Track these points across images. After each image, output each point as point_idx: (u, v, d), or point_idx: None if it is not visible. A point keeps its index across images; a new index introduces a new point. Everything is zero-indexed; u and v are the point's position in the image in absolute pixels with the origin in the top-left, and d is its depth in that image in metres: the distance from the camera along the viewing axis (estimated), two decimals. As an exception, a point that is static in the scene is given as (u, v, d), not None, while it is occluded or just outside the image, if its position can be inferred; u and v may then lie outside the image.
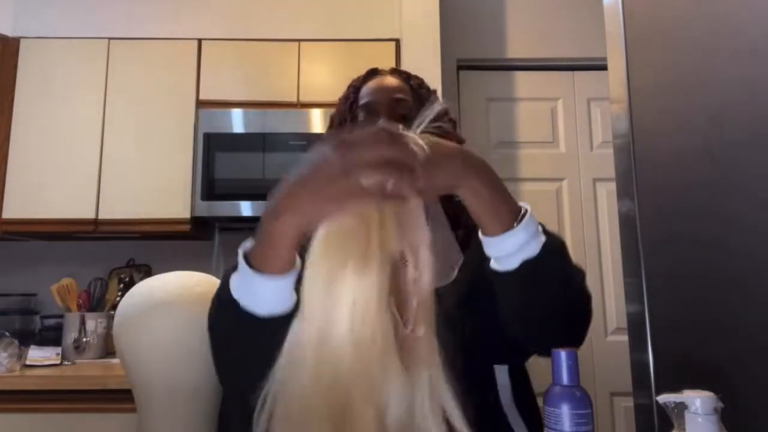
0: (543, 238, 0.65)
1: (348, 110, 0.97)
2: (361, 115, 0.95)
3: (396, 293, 0.53)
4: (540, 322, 0.70)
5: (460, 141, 0.98)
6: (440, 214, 0.78)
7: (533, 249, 0.64)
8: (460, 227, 0.84)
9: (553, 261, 0.67)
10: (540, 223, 0.68)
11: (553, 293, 0.68)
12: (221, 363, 0.70)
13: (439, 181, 0.59)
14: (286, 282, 0.57)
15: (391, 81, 0.98)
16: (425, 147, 0.56)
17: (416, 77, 1.01)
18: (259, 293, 0.58)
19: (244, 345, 0.62)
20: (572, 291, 0.71)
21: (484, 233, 0.65)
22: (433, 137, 0.60)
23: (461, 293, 0.75)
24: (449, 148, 0.62)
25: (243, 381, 0.59)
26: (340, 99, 1.02)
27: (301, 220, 0.53)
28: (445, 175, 0.59)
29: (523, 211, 0.65)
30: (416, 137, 0.57)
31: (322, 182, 0.52)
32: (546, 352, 0.72)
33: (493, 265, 0.67)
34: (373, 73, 1.01)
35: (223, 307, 0.64)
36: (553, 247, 0.66)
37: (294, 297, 0.58)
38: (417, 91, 0.98)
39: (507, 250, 0.64)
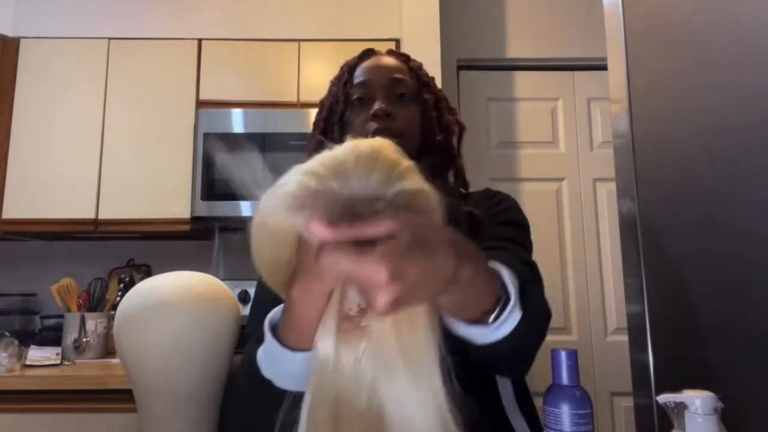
0: (518, 317, 0.55)
1: (342, 90, 0.91)
2: (355, 94, 0.88)
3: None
4: (489, 368, 0.68)
5: (461, 127, 0.95)
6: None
7: (507, 329, 0.55)
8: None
9: (530, 329, 0.57)
10: (524, 238, 0.66)
11: (506, 356, 0.59)
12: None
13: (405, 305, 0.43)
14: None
15: (389, 60, 0.92)
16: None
17: (415, 60, 0.95)
18: (295, 370, 0.54)
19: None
20: (528, 346, 0.63)
21: (458, 319, 0.55)
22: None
23: None
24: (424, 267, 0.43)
25: None
26: (332, 80, 0.96)
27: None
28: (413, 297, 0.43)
29: (504, 299, 0.54)
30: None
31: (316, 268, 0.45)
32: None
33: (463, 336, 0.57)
34: (369, 52, 0.95)
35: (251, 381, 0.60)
36: (530, 317, 0.56)
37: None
38: (417, 72, 0.92)
39: (482, 339, 0.55)
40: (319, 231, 0.40)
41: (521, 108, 2.55)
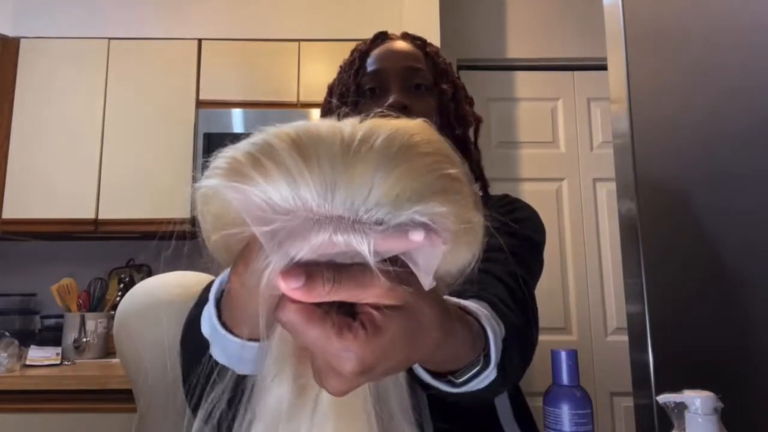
0: (494, 375, 0.49)
1: (353, 78, 0.84)
2: (368, 84, 0.81)
3: None
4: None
5: (478, 119, 0.90)
6: None
7: (488, 379, 0.49)
8: None
9: (490, 389, 0.50)
10: (531, 252, 0.61)
11: (471, 402, 0.52)
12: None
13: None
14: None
15: (404, 46, 0.84)
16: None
17: (432, 45, 0.86)
18: (238, 354, 0.44)
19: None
20: (527, 359, 0.57)
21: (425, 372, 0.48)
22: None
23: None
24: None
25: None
26: (341, 66, 0.89)
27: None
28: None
29: (471, 373, 0.47)
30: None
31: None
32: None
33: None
34: (383, 36, 0.87)
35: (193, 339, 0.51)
36: (497, 384, 0.50)
37: None
38: (434, 59, 0.84)
39: (456, 397, 0.49)
40: (282, 283, 0.28)
41: (521, 108, 2.55)
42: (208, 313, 0.47)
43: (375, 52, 0.84)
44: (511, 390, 0.79)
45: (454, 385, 0.47)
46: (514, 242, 0.72)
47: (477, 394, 0.49)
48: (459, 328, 0.40)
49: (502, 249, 0.65)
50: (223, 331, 0.44)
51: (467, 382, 0.47)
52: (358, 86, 0.83)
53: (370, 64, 0.83)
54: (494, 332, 0.48)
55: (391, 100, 0.77)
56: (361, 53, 0.86)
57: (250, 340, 0.42)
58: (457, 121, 0.84)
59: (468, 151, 0.87)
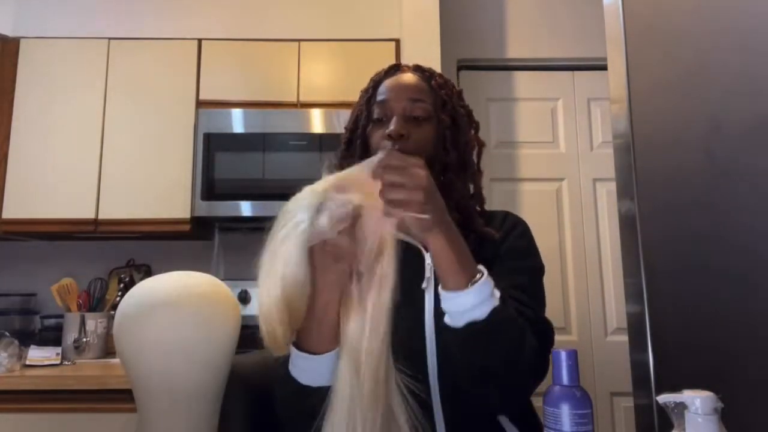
0: (494, 304, 0.69)
1: (366, 105, 0.95)
2: (375, 113, 0.93)
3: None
4: (479, 379, 0.73)
5: (480, 143, 1.00)
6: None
7: (481, 313, 0.68)
8: (470, 232, 0.86)
9: (498, 330, 0.70)
10: (536, 277, 0.80)
11: (494, 357, 0.71)
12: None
13: (420, 227, 0.66)
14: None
15: (410, 79, 0.94)
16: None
17: (440, 76, 0.97)
18: (318, 370, 0.71)
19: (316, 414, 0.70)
20: (516, 357, 0.72)
21: (442, 287, 0.71)
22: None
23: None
24: (440, 201, 0.69)
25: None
26: (362, 91, 1.00)
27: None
28: (425, 223, 0.66)
29: (478, 276, 0.69)
30: (423, 172, 0.67)
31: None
32: (498, 407, 0.81)
33: (446, 319, 0.71)
34: (396, 68, 0.98)
35: (286, 388, 0.76)
36: (501, 317, 0.70)
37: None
38: (437, 92, 0.94)
39: (457, 308, 0.69)
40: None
41: (521, 108, 2.55)
42: (294, 356, 0.74)
43: (385, 83, 0.95)
44: (521, 421, 0.83)
45: (460, 293, 0.68)
46: (525, 279, 0.85)
47: (476, 330, 0.68)
48: (463, 243, 0.71)
49: (518, 287, 0.83)
50: (306, 355, 0.72)
51: (472, 285, 0.68)
52: (369, 113, 0.94)
53: (380, 94, 0.94)
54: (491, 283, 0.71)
55: (390, 128, 0.88)
56: (375, 83, 0.97)
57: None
58: (453, 147, 0.93)
59: (466, 171, 0.95)
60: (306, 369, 0.73)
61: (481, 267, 0.71)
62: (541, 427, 0.77)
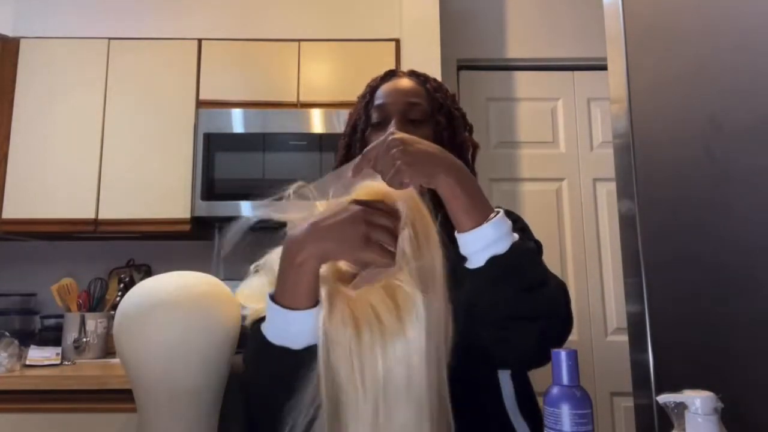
0: (514, 238, 0.68)
1: (363, 110, 0.98)
2: (374, 117, 0.95)
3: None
4: (506, 324, 0.69)
5: (474, 145, 1.03)
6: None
7: (501, 247, 0.66)
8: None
9: (522, 262, 0.68)
10: (523, 230, 0.72)
11: (520, 294, 0.67)
12: (263, 408, 0.73)
13: (418, 175, 0.65)
14: (316, 312, 0.64)
15: (407, 84, 0.97)
16: (405, 144, 0.66)
17: (435, 80, 1.01)
18: (294, 328, 0.64)
19: (284, 382, 0.65)
20: (541, 295, 0.69)
21: (457, 230, 0.68)
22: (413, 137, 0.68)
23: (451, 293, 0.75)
24: (426, 147, 0.68)
25: (279, 414, 0.65)
26: (358, 97, 1.03)
27: (323, 253, 0.64)
28: (422, 169, 0.66)
29: (493, 215, 0.67)
30: (398, 135, 0.68)
31: (346, 226, 0.64)
32: (519, 364, 0.78)
33: (466, 263, 0.69)
34: (392, 74, 1.01)
35: (260, 354, 0.70)
36: (523, 248, 0.68)
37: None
38: (433, 94, 0.97)
39: (476, 246, 0.67)
40: None
41: (521, 108, 2.55)
42: (270, 310, 0.66)
43: (382, 88, 0.97)
44: (518, 385, 0.82)
45: (476, 234, 0.66)
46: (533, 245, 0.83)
47: (499, 265, 0.66)
48: (475, 185, 0.69)
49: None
50: (284, 310, 0.64)
51: (487, 222, 0.66)
52: (367, 117, 0.97)
53: (378, 98, 0.96)
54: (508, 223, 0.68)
55: (389, 130, 0.88)
56: (371, 88, 0.99)
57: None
58: (452, 148, 0.93)
59: None
60: (281, 326, 0.66)
61: (496, 207, 0.70)
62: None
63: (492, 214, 0.67)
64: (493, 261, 0.66)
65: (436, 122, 0.95)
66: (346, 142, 1.00)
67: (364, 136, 0.96)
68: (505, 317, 0.69)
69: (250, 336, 0.73)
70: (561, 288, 0.73)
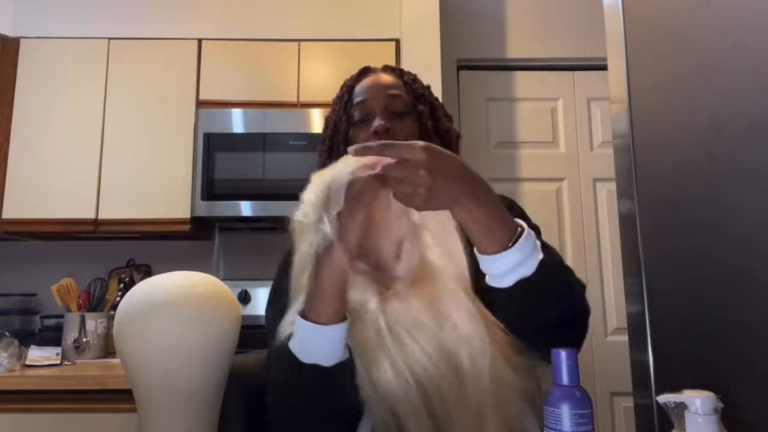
0: (539, 257, 0.66)
1: (343, 110, 0.96)
2: (356, 115, 0.93)
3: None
4: (533, 335, 0.69)
5: (456, 134, 1.00)
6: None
7: (529, 268, 0.65)
8: None
9: (549, 280, 0.67)
10: (538, 238, 0.70)
11: (547, 310, 0.69)
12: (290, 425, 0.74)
13: (435, 205, 0.63)
14: (344, 327, 0.66)
15: (385, 78, 0.96)
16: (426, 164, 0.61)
17: (409, 73, 1.00)
18: (325, 343, 0.65)
19: (317, 401, 0.67)
20: (568, 307, 0.71)
21: (479, 251, 0.67)
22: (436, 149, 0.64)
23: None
24: (451, 171, 0.63)
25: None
26: (334, 99, 1.01)
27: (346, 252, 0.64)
28: (442, 198, 0.62)
29: (519, 230, 0.66)
30: (426, 146, 0.63)
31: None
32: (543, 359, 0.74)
33: (489, 280, 0.68)
34: (366, 71, 0.99)
35: (288, 372, 0.69)
36: (550, 266, 0.67)
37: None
38: (411, 86, 0.96)
39: (502, 269, 0.65)
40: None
41: (521, 108, 2.55)
42: (298, 326, 0.67)
43: (360, 85, 0.96)
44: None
45: (501, 257, 0.65)
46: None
47: (527, 287, 0.65)
48: (495, 202, 0.65)
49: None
50: (314, 326, 0.65)
51: (516, 240, 0.64)
52: (348, 116, 0.95)
53: (357, 95, 0.95)
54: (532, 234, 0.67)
55: (375, 124, 0.88)
56: (348, 87, 0.98)
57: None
58: (438, 136, 0.94)
59: None
60: (311, 342, 0.67)
61: (518, 221, 0.67)
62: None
63: (516, 233, 0.65)
64: (521, 283, 0.65)
65: (418, 113, 0.94)
66: (328, 145, 0.98)
67: (347, 136, 0.94)
68: (532, 331, 0.68)
69: (276, 356, 0.74)
70: (582, 290, 0.74)
